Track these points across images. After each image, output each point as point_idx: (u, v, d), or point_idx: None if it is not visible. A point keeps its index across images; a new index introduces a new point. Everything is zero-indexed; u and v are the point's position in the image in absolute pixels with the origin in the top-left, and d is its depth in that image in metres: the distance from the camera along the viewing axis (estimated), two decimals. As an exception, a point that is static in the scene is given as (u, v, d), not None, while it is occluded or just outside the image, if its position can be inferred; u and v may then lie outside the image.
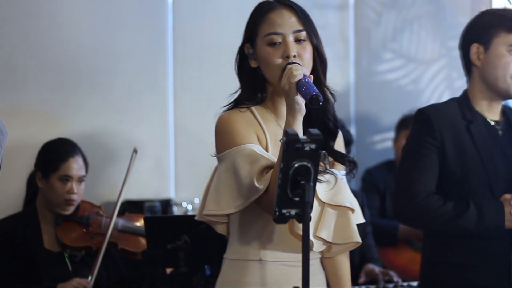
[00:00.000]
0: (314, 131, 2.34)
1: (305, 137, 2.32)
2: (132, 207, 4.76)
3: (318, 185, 2.57)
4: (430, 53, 5.88)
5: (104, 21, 5.08)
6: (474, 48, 3.31)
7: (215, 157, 2.70)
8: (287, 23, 2.68)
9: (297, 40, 2.67)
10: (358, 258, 4.71)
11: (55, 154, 4.16)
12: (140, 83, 5.15)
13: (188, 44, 5.24)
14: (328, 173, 2.66)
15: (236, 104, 2.73)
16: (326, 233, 2.67)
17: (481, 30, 3.31)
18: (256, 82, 2.72)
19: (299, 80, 2.54)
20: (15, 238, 4.04)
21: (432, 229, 3.26)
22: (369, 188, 5.20)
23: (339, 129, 2.77)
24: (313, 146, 2.31)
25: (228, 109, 2.73)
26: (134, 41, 5.13)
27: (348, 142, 4.67)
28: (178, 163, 5.23)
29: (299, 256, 2.41)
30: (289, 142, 2.30)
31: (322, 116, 2.70)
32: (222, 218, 2.69)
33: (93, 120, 5.01)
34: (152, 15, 5.19)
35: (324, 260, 2.81)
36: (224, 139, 2.64)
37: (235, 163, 2.59)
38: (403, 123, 5.29)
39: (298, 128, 2.55)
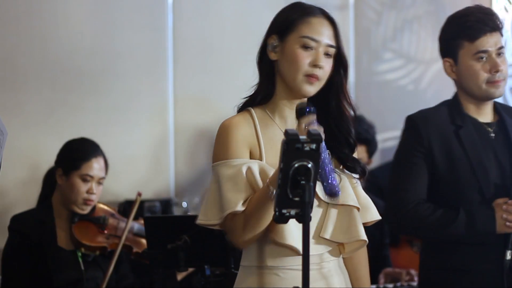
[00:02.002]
0: (314, 131, 2.34)
1: (305, 137, 2.32)
2: (132, 207, 4.75)
3: (321, 185, 2.58)
4: (430, 53, 5.88)
5: (104, 21, 5.08)
6: (447, 63, 3.35)
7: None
8: (325, 34, 2.69)
9: (326, 54, 2.69)
10: (373, 267, 4.71)
11: (79, 152, 4.16)
12: (140, 83, 5.15)
13: (188, 44, 5.24)
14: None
15: (255, 96, 2.73)
16: (330, 233, 2.67)
17: (447, 44, 3.34)
18: (269, 76, 2.73)
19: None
20: (29, 234, 4.04)
21: (424, 237, 3.27)
22: (371, 189, 5.20)
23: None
24: (313, 146, 2.31)
25: (243, 103, 2.74)
26: (134, 41, 5.13)
27: (368, 143, 4.68)
28: (178, 163, 5.23)
29: (312, 260, 2.43)
30: (289, 142, 2.30)
31: (344, 133, 2.72)
32: (216, 227, 2.70)
33: (93, 120, 5.01)
34: (152, 15, 5.19)
35: (345, 261, 2.81)
36: (217, 149, 2.67)
37: (221, 177, 2.61)
38: None
39: None
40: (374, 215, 2.81)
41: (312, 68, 2.65)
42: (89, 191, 4.10)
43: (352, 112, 2.76)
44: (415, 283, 4.50)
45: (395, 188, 3.27)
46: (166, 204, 5.08)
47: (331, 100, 2.73)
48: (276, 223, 2.45)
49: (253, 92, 2.75)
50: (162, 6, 5.21)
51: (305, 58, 2.66)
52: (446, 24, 3.36)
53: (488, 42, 3.26)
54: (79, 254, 4.10)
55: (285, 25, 2.71)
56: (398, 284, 4.49)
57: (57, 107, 4.95)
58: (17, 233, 4.06)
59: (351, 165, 2.71)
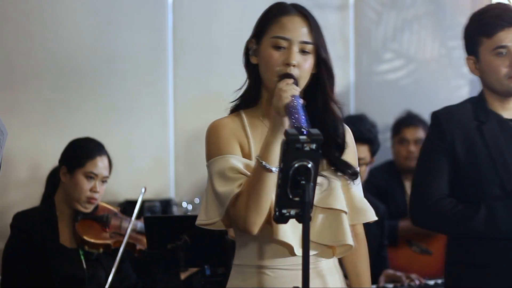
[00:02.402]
0: (314, 131, 2.34)
1: (305, 137, 2.32)
2: (132, 207, 4.75)
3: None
4: (430, 53, 5.88)
5: (104, 21, 5.08)
6: (470, 61, 3.36)
7: None
8: (297, 31, 2.66)
9: (302, 51, 2.66)
10: (372, 268, 4.71)
11: (83, 150, 4.17)
12: (140, 83, 5.15)
13: (188, 44, 5.24)
14: (321, 176, 2.65)
15: (242, 99, 2.74)
16: (316, 236, 2.65)
17: (468, 42, 3.36)
18: (254, 79, 2.73)
19: (289, 103, 2.52)
20: (31, 232, 4.04)
21: (446, 232, 3.31)
22: (370, 189, 5.20)
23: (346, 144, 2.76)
24: (313, 146, 2.31)
25: (233, 107, 2.75)
26: (134, 41, 5.13)
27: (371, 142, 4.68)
28: (178, 163, 5.23)
29: (297, 260, 2.43)
30: (289, 142, 2.30)
31: (332, 133, 2.70)
32: (218, 226, 2.70)
33: (93, 120, 5.01)
34: (152, 15, 5.19)
35: (344, 261, 2.81)
36: (209, 148, 2.67)
37: (213, 174, 2.62)
38: (394, 128, 5.38)
39: (276, 151, 2.53)
40: (369, 216, 2.81)
41: (285, 67, 2.63)
42: (92, 189, 4.11)
43: (338, 111, 2.74)
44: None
45: (418, 184, 3.32)
46: (166, 204, 5.08)
47: (318, 99, 2.71)
48: (276, 223, 2.45)
49: (241, 95, 2.75)
50: (162, 6, 5.21)
51: (277, 58, 2.64)
52: (467, 23, 3.40)
53: (507, 37, 3.28)
54: (82, 252, 4.11)
55: (259, 28, 2.71)
56: (398, 284, 4.49)
57: (57, 107, 4.94)
58: (19, 231, 4.06)
59: (341, 168, 2.70)
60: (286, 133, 2.32)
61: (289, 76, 2.61)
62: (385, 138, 5.59)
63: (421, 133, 5.38)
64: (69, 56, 4.98)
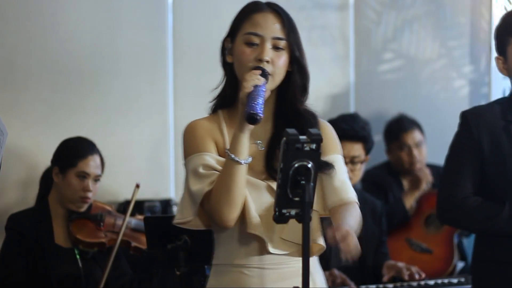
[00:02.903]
0: (314, 131, 2.34)
1: (305, 137, 2.32)
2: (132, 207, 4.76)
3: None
4: (430, 53, 5.88)
5: (104, 21, 5.08)
6: (499, 61, 3.37)
7: None
8: (270, 27, 2.68)
9: (275, 47, 2.67)
10: (372, 264, 4.71)
11: (75, 150, 4.19)
12: (140, 83, 5.15)
13: (188, 44, 5.24)
14: None
15: (221, 99, 2.75)
16: (289, 235, 2.65)
17: (497, 42, 3.37)
18: (230, 78, 2.74)
19: (250, 92, 2.54)
20: (26, 233, 4.05)
21: (471, 230, 3.36)
22: (369, 188, 5.20)
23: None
24: (313, 146, 2.31)
25: (212, 107, 2.77)
26: (134, 41, 5.13)
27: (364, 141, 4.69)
28: (178, 163, 5.23)
29: (274, 259, 2.49)
30: (289, 142, 2.30)
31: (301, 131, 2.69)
32: (195, 225, 2.70)
33: (93, 120, 5.01)
34: (152, 15, 5.19)
35: (333, 216, 2.72)
36: (185, 148, 2.70)
37: (187, 172, 2.65)
38: (390, 134, 5.37)
39: (245, 143, 2.56)
40: (349, 197, 2.71)
41: (258, 63, 2.64)
42: (85, 189, 4.12)
43: (310, 108, 2.73)
44: (415, 283, 4.50)
45: (446, 182, 3.37)
46: (166, 204, 5.08)
47: (288, 97, 2.71)
48: (276, 223, 2.45)
49: (217, 95, 2.78)
50: (162, 6, 5.21)
51: (249, 55, 2.66)
52: (498, 22, 3.43)
53: None
54: (77, 251, 4.12)
55: (233, 26, 2.74)
56: (398, 284, 4.49)
57: (57, 107, 4.94)
58: (14, 232, 4.07)
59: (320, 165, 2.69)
60: (286, 133, 2.32)
61: (259, 68, 2.61)
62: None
63: (419, 135, 5.37)
64: (69, 56, 4.98)
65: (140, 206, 4.84)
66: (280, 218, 2.37)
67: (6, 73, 4.86)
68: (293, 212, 2.36)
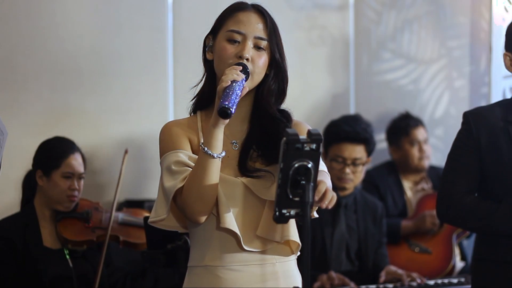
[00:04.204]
0: (314, 131, 2.34)
1: (305, 137, 2.32)
2: (132, 207, 4.76)
3: (255, 184, 2.61)
4: (430, 53, 5.88)
5: (104, 21, 5.08)
6: (507, 57, 3.38)
7: None
8: (252, 26, 2.69)
9: (256, 47, 2.67)
10: (372, 265, 4.71)
11: (56, 151, 4.18)
12: (140, 83, 5.15)
13: (188, 44, 5.23)
14: (264, 171, 2.64)
15: (199, 97, 2.77)
16: (263, 231, 2.64)
17: (508, 38, 3.38)
18: (209, 76, 2.75)
19: (226, 87, 2.54)
20: (14, 239, 4.04)
21: (468, 228, 3.37)
22: (369, 189, 5.20)
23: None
24: (313, 146, 2.31)
25: (192, 108, 2.79)
26: (134, 41, 5.13)
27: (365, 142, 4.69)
28: (178, 163, 5.23)
29: (246, 257, 2.50)
30: (289, 142, 2.30)
31: (271, 131, 2.67)
32: (170, 225, 2.70)
33: (93, 120, 5.01)
34: (152, 15, 5.19)
35: None
36: (160, 147, 2.70)
37: (162, 170, 2.65)
38: (399, 130, 5.36)
39: (219, 137, 2.56)
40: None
41: (237, 60, 2.64)
42: (71, 187, 4.12)
43: (277, 111, 2.71)
44: (415, 283, 4.51)
45: (445, 181, 3.39)
46: (166, 204, 5.07)
47: (262, 98, 2.70)
48: (276, 223, 2.45)
49: (197, 93, 2.79)
50: (162, 6, 5.21)
51: (230, 51, 2.66)
52: (510, 23, 3.43)
53: None
54: (66, 252, 4.11)
55: (216, 24, 2.76)
56: (398, 284, 4.50)
57: (57, 107, 4.94)
58: (1, 238, 4.06)
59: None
60: (286, 133, 2.32)
61: (240, 64, 2.62)
62: (384, 138, 5.59)
63: (425, 132, 5.40)
64: (69, 56, 4.98)
65: (140, 206, 4.84)
66: (280, 218, 2.37)
67: (6, 73, 4.86)
68: (293, 212, 2.35)
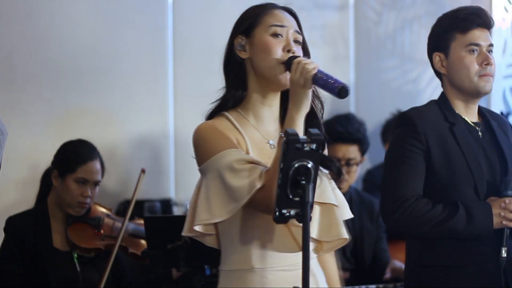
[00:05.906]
0: (314, 131, 2.34)
1: (305, 137, 2.32)
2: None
3: None
4: (430, 53, 5.88)
5: (104, 21, 5.08)
6: (436, 57, 3.34)
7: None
8: (290, 21, 2.71)
9: (296, 41, 2.69)
10: (370, 260, 4.71)
11: (75, 155, 4.13)
12: (140, 83, 5.15)
13: (188, 44, 5.24)
14: None
15: (229, 100, 2.72)
16: (315, 232, 2.65)
17: (438, 38, 3.34)
18: (240, 76, 2.72)
19: (316, 73, 2.53)
20: (24, 237, 4.03)
21: (422, 233, 3.25)
22: (370, 188, 5.20)
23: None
24: (313, 146, 2.31)
25: (213, 109, 2.74)
26: (134, 41, 5.13)
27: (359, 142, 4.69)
28: (178, 163, 5.23)
29: (298, 259, 2.41)
30: (289, 142, 2.30)
31: (316, 126, 2.66)
32: (210, 230, 2.67)
33: (93, 120, 5.01)
34: (152, 15, 5.19)
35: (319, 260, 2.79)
36: (204, 149, 2.65)
37: (220, 170, 2.57)
38: (388, 130, 5.36)
39: (301, 123, 2.55)
40: (347, 214, 2.78)
41: (286, 54, 2.65)
42: (84, 194, 4.08)
43: (319, 105, 2.72)
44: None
45: (392, 184, 3.24)
46: (166, 204, 5.08)
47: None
48: (276, 223, 2.44)
49: (221, 97, 2.74)
50: (162, 6, 5.21)
51: (277, 45, 2.66)
52: (437, 22, 3.40)
53: (480, 36, 3.28)
54: (75, 255, 4.09)
55: (249, 22, 2.72)
56: (398, 284, 4.49)
57: (57, 107, 4.94)
58: (12, 235, 4.05)
59: (328, 164, 2.69)
60: (286, 133, 2.32)
61: (296, 57, 2.62)
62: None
63: None
64: (69, 56, 4.98)
65: (140, 206, 4.84)
66: (280, 218, 2.36)
67: (6, 73, 4.86)
68: (293, 212, 2.35)
